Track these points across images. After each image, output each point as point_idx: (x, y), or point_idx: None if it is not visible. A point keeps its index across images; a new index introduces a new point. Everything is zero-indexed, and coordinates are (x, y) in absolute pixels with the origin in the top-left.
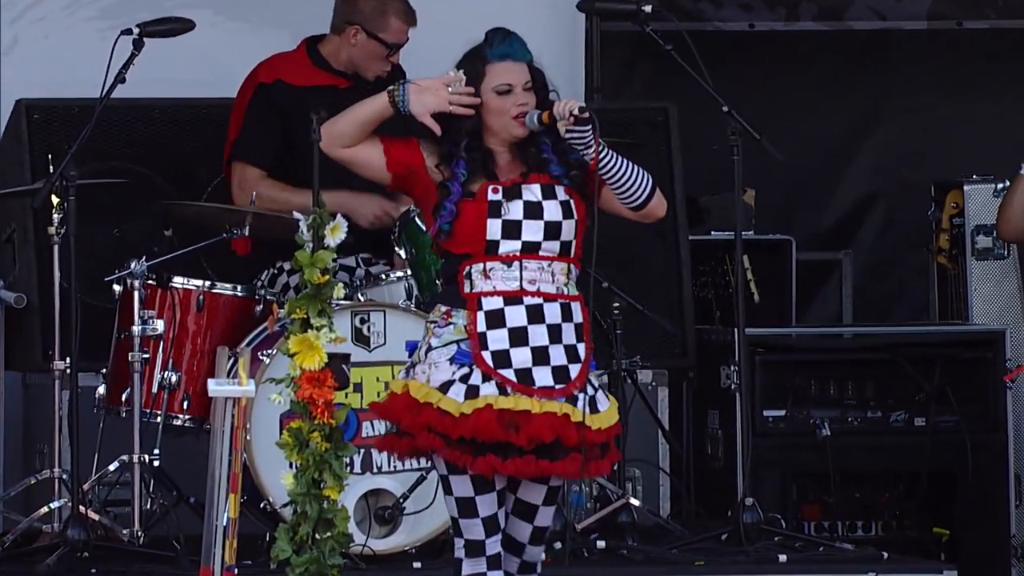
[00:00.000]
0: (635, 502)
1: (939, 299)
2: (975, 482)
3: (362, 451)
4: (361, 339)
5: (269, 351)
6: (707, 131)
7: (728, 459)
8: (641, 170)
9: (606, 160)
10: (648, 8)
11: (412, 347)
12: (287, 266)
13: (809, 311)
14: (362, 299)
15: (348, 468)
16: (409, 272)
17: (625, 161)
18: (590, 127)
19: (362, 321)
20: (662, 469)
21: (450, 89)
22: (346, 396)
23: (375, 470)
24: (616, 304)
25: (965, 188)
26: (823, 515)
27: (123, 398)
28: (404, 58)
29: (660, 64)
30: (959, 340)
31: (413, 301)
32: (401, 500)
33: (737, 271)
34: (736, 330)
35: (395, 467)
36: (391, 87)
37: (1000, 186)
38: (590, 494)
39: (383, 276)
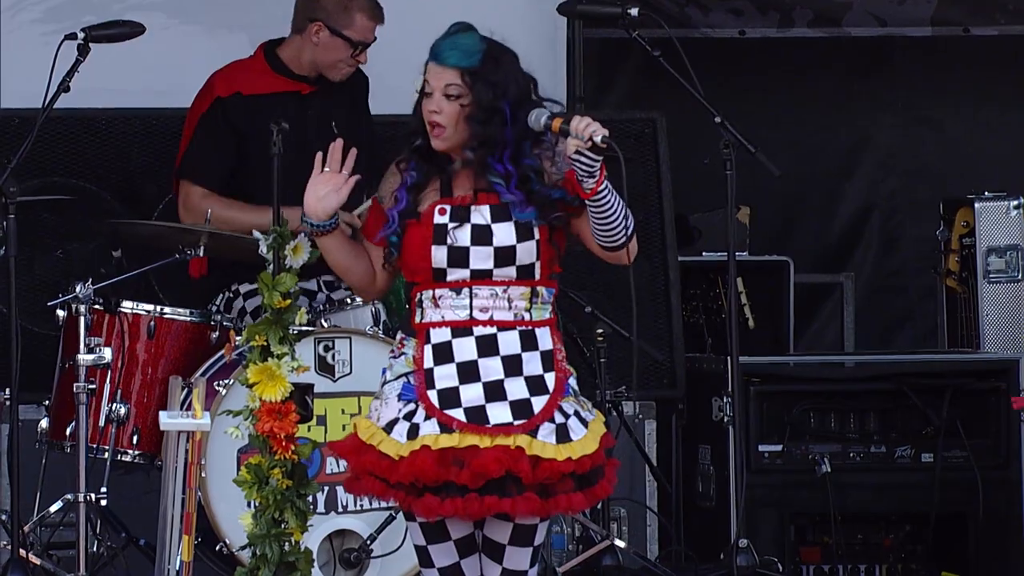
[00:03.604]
0: (620, 544)
1: (948, 325)
2: (987, 523)
3: (326, 489)
4: (325, 368)
5: (226, 381)
6: (698, 144)
7: (720, 498)
8: (628, 212)
9: (604, 196)
10: (634, 11)
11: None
12: (243, 289)
13: (807, 337)
14: (326, 325)
15: (311, 507)
16: None
17: (618, 200)
18: (601, 159)
19: (326, 349)
20: (649, 508)
21: (326, 168)
22: (308, 430)
23: (340, 509)
24: (600, 330)
25: (976, 206)
26: (823, 558)
27: (67, 432)
28: (374, 59)
29: (644, 73)
30: (969, 369)
31: (381, 327)
32: (368, 542)
33: (730, 295)
34: (729, 358)
35: (361, 506)
36: (302, 223)
37: (1015, 203)
38: (572, 535)
39: (348, 301)
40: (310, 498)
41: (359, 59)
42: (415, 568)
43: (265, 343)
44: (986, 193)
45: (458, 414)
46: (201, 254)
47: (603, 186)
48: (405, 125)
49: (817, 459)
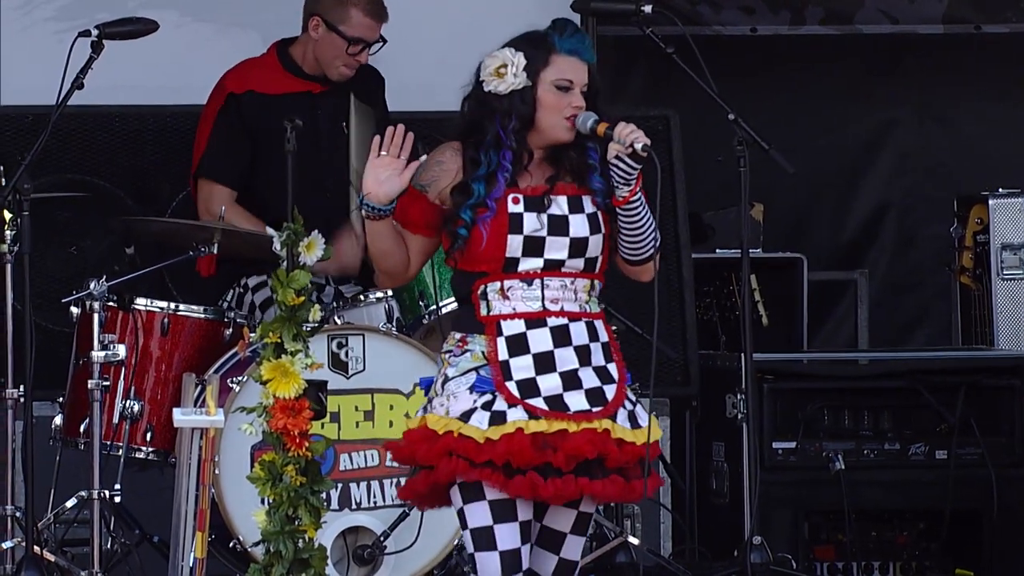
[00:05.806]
0: (634, 541)
1: (962, 322)
2: (1001, 520)
3: (340, 486)
4: (339, 365)
5: (239, 378)
6: (711, 141)
7: (734, 495)
8: (656, 228)
9: (636, 207)
10: (648, 8)
11: (427, 384)
12: (251, 282)
13: (821, 335)
14: (339, 322)
15: (325, 504)
16: (390, 292)
17: (649, 213)
18: (640, 168)
19: (340, 346)
20: (663, 505)
21: (383, 152)
22: (322, 426)
23: (354, 506)
24: (613, 327)
25: (990, 203)
26: (837, 555)
27: (81, 429)
28: (386, 57)
29: (658, 70)
30: (984, 366)
31: (394, 324)
32: (382, 538)
33: (744, 292)
34: (743, 355)
35: (375, 503)
36: (359, 205)
37: None
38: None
39: (361, 297)
40: (324, 495)
41: (358, 58)
42: (429, 565)
43: (279, 340)
44: (1000, 190)
45: (539, 403)
46: (215, 251)
47: (636, 196)
48: (422, 123)
49: (831, 456)
